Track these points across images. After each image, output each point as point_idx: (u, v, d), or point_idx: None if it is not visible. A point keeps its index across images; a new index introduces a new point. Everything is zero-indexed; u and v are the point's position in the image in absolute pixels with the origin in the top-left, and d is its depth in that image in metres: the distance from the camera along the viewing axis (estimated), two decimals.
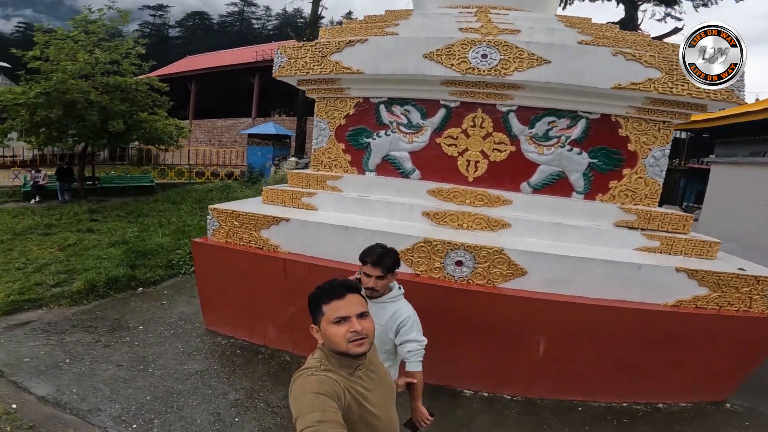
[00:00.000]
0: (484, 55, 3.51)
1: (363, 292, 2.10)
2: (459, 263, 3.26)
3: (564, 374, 3.36)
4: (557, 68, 3.40)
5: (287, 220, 3.71)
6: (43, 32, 11.51)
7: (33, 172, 12.26)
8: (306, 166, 13.62)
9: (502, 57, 3.47)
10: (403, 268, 3.40)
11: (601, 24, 4.27)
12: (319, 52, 3.93)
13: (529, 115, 3.75)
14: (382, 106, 4.07)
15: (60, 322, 4.48)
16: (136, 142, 13.33)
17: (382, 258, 2.08)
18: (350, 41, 3.84)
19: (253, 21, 64.15)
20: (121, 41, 12.42)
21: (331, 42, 3.90)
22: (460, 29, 3.94)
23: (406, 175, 4.09)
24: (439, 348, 3.11)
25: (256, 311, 4.00)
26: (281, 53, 4.16)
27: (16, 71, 12.49)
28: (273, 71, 4.25)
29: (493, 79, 3.54)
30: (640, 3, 16.43)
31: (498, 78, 3.50)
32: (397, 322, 2.10)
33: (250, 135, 16.95)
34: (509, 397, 3.43)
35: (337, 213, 3.92)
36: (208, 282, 4.19)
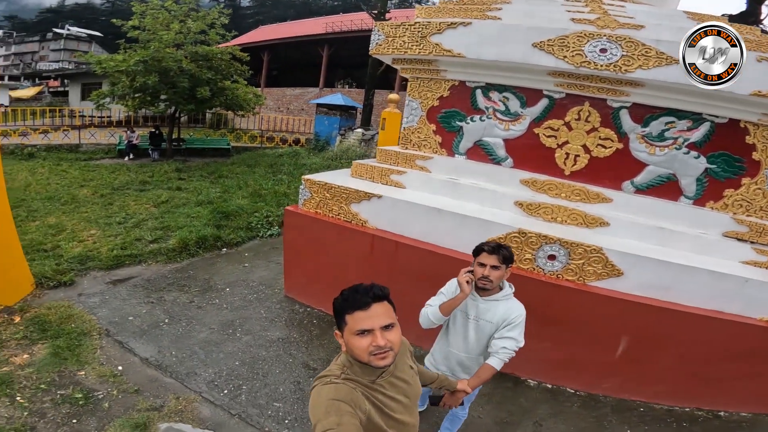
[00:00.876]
0: (603, 50, 3.31)
1: (475, 283, 2.11)
2: (552, 257, 3.22)
3: (635, 376, 3.32)
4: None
5: (379, 196, 3.82)
6: (139, 2, 12.29)
7: (128, 132, 13.37)
8: (372, 138, 13.75)
9: (624, 53, 3.25)
10: None
11: (741, 25, 3.87)
12: (419, 32, 3.90)
13: (644, 114, 3.52)
14: (478, 91, 4.00)
15: (158, 279, 4.84)
16: (215, 108, 14.13)
17: (499, 247, 2.09)
18: (452, 23, 3.77)
19: None
20: (207, 11, 13.01)
21: (432, 23, 3.85)
22: (573, 20, 3.72)
23: (497, 161, 4.04)
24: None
25: (336, 283, 4.11)
26: (378, 31, 4.15)
27: (114, 40, 13.50)
28: (369, 48, 4.27)
29: (610, 75, 3.34)
30: None
31: (616, 74, 3.31)
32: (507, 319, 2.11)
33: (318, 105, 17.33)
34: (572, 391, 3.43)
35: (426, 193, 3.96)
36: (294, 249, 4.44)
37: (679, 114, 3.42)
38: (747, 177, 3.42)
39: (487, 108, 3.99)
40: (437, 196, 3.92)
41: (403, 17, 16.55)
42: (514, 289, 2.22)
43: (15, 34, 63.62)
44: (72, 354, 3.29)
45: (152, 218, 6.86)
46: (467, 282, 2.05)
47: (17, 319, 3.66)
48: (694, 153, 3.45)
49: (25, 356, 3.21)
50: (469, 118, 4.07)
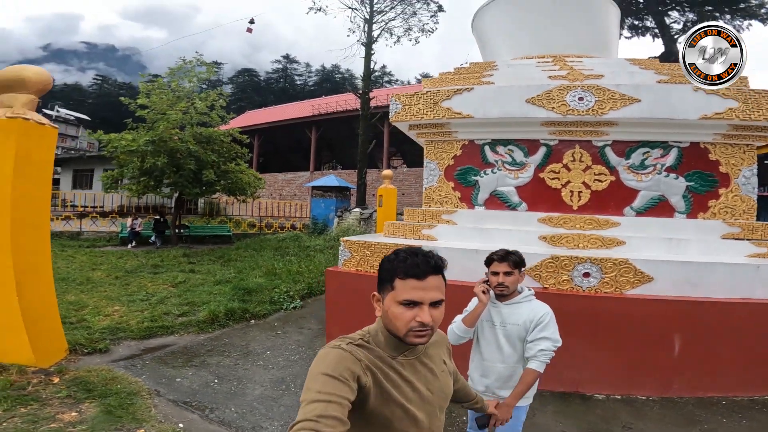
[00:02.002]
0: (581, 98, 4.15)
1: (491, 292, 2.16)
2: (586, 275, 3.66)
3: (702, 371, 3.54)
4: (648, 105, 3.99)
5: (417, 240, 4.26)
6: (145, 82, 12.66)
7: (131, 219, 13.77)
8: (370, 216, 14.38)
9: (597, 99, 4.10)
10: (531, 283, 3.84)
11: (670, 63, 4.91)
12: (431, 99, 4.65)
13: (624, 148, 4.28)
14: (486, 147, 4.71)
15: (195, 346, 4.88)
16: (217, 192, 14.17)
17: (507, 253, 2.15)
18: (458, 90, 4.56)
19: (296, 77, 67.25)
20: (208, 93, 13.35)
21: (441, 90, 4.64)
22: (549, 77, 4.64)
23: (513, 207, 4.61)
24: (569, 355, 3.42)
25: None
26: (396, 101, 4.85)
27: (100, 124, 12.93)
28: (389, 117, 4.93)
29: (591, 118, 4.14)
30: (677, 36, 17.34)
31: (595, 117, 4.10)
32: (534, 319, 2.10)
33: (313, 187, 18.15)
34: (644, 398, 3.59)
35: (457, 241, 4.43)
36: (337, 307, 4.68)
37: (651, 144, 4.20)
38: (722, 188, 4.13)
39: (496, 161, 4.67)
40: (468, 242, 4.39)
41: (383, 95, 18.36)
42: (533, 292, 2.24)
43: None
44: (126, 412, 3.21)
45: (174, 296, 6.96)
46: (483, 292, 2.11)
47: (56, 380, 3.60)
48: (673, 175, 4.17)
49: (74, 414, 3.11)
50: (482, 172, 4.72)
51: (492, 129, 4.61)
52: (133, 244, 13.10)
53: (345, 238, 4.71)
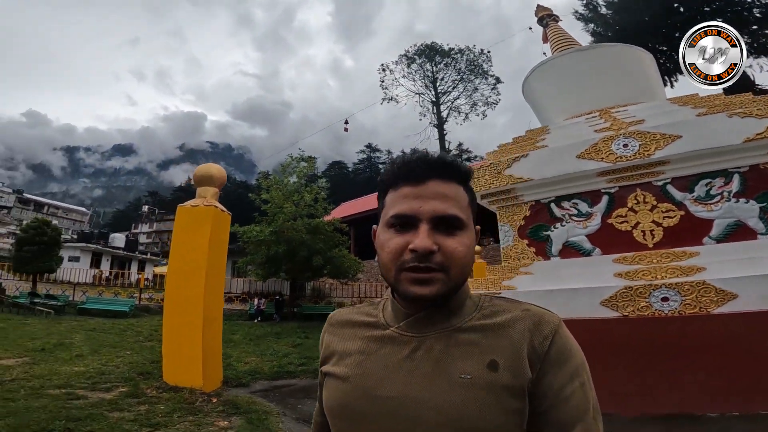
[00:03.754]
0: (625, 145, 4.67)
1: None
2: (665, 299, 3.81)
3: None
4: (690, 139, 4.35)
5: (498, 291, 4.77)
6: (265, 178, 15.63)
7: (257, 300, 17.19)
8: None
9: (640, 143, 4.59)
10: (609, 313, 4.06)
11: (709, 95, 5.20)
12: (495, 169, 5.49)
13: (685, 183, 4.55)
14: (552, 204, 5.29)
15: (313, 387, 6.12)
16: (324, 276, 16.26)
17: None
18: (516, 157, 5.37)
19: (379, 165, 70.10)
20: (311, 187, 15.84)
21: (502, 160, 5.48)
22: (595, 130, 5.25)
23: (587, 254, 4.95)
24: (668, 375, 3.46)
25: None
26: None
27: (237, 220, 15.43)
28: None
29: (640, 161, 4.58)
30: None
31: (643, 160, 4.54)
32: None
33: None
34: (766, 413, 3.33)
35: (535, 288, 4.84)
36: None
37: (711, 174, 4.41)
38: None
39: (563, 215, 5.19)
40: (544, 287, 4.78)
41: None
42: None
43: (157, 211, 67.94)
44: (262, 423, 4.24)
45: (294, 353, 8.76)
46: None
47: (214, 400, 4.84)
48: (743, 200, 4.26)
49: (225, 423, 4.20)
50: (552, 226, 5.24)
51: (553, 187, 5.24)
52: (259, 319, 16.09)
53: None
